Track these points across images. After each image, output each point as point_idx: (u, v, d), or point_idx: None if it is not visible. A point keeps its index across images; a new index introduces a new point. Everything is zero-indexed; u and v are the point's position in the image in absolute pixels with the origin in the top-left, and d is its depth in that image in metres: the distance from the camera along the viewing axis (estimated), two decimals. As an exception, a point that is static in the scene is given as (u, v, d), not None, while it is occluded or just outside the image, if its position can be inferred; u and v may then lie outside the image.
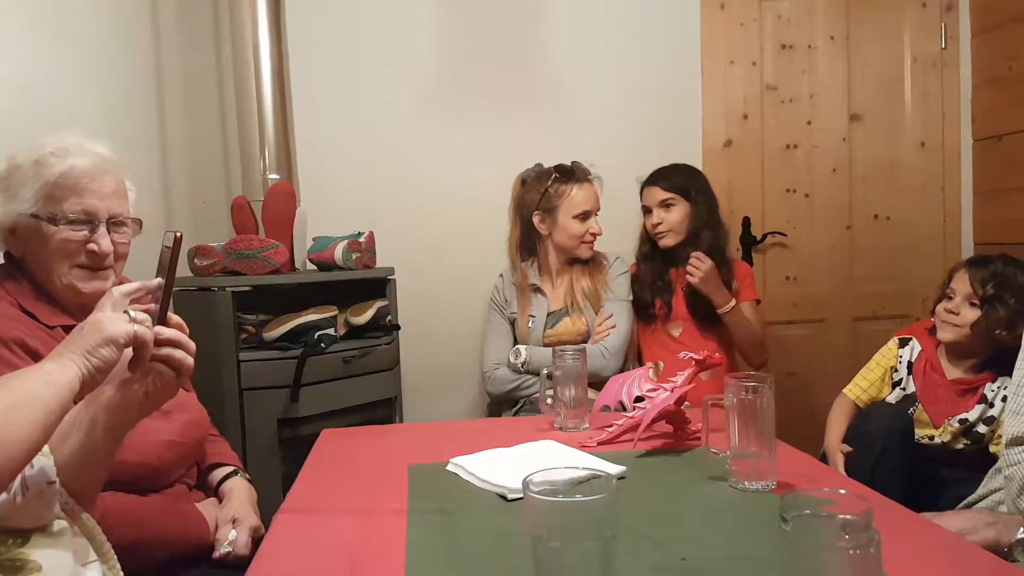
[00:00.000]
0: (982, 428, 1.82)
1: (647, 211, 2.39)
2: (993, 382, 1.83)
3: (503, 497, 1.15)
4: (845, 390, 2.01)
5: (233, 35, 2.31)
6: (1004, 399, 1.79)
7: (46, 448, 0.94)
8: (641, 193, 2.42)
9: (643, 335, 2.41)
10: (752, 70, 2.90)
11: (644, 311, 2.36)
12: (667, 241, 2.35)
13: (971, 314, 1.79)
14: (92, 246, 1.25)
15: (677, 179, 2.35)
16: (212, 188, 2.69)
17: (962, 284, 1.83)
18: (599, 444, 1.44)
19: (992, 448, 1.80)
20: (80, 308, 1.27)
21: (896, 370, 1.95)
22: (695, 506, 1.14)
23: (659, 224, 2.34)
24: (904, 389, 1.91)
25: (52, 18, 1.93)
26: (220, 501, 1.42)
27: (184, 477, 1.41)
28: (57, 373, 0.85)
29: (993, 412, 1.81)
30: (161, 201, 2.52)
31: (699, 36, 2.86)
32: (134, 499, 1.25)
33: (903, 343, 1.97)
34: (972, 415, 1.82)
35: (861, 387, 1.98)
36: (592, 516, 0.73)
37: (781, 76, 2.91)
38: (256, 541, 1.35)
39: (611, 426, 1.47)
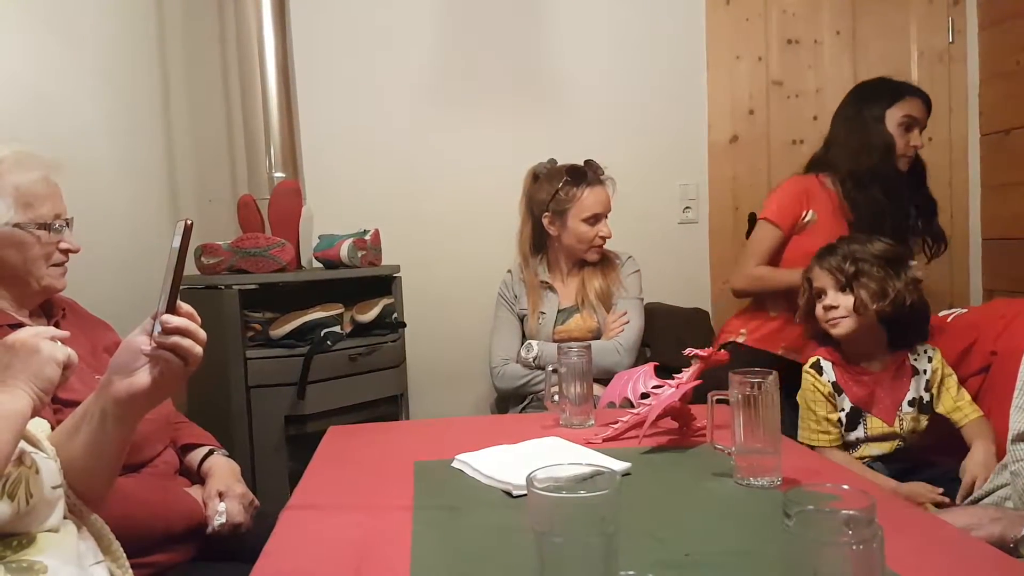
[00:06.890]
0: (926, 396, 1.77)
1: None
2: (912, 352, 1.79)
3: (508, 493, 1.16)
4: (807, 440, 1.74)
5: (238, 33, 2.32)
6: (930, 359, 1.78)
7: (51, 450, 0.95)
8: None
9: None
10: (758, 65, 2.89)
11: None
12: None
13: (847, 299, 1.74)
14: (66, 245, 1.34)
15: None
16: (218, 187, 2.70)
17: (823, 277, 1.78)
18: (604, 441, 1.44)
19: (938, 410, 1.76)
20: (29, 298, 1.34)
21: (834, 396, 1.78)
22: (699, 502, 1.14)
23: None
24: (843, 410, 1.77)
25: (57, 17, 1.94)
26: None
27: (162, 456, 1.43)
28: (10, 403, 0.84)
29: (927, 377, 1.77)
30: (168, 200, 2.53)
31: (704, 31, 2.86)
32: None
33: (818, 370, 1.79)
34: (913, 392, 1.76)
35: (831, 435, 1.76)
36: (596, 512, 0.73)
37: (787, 71, 2.90)
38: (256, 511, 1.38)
39: (616, 423, 1.47)
